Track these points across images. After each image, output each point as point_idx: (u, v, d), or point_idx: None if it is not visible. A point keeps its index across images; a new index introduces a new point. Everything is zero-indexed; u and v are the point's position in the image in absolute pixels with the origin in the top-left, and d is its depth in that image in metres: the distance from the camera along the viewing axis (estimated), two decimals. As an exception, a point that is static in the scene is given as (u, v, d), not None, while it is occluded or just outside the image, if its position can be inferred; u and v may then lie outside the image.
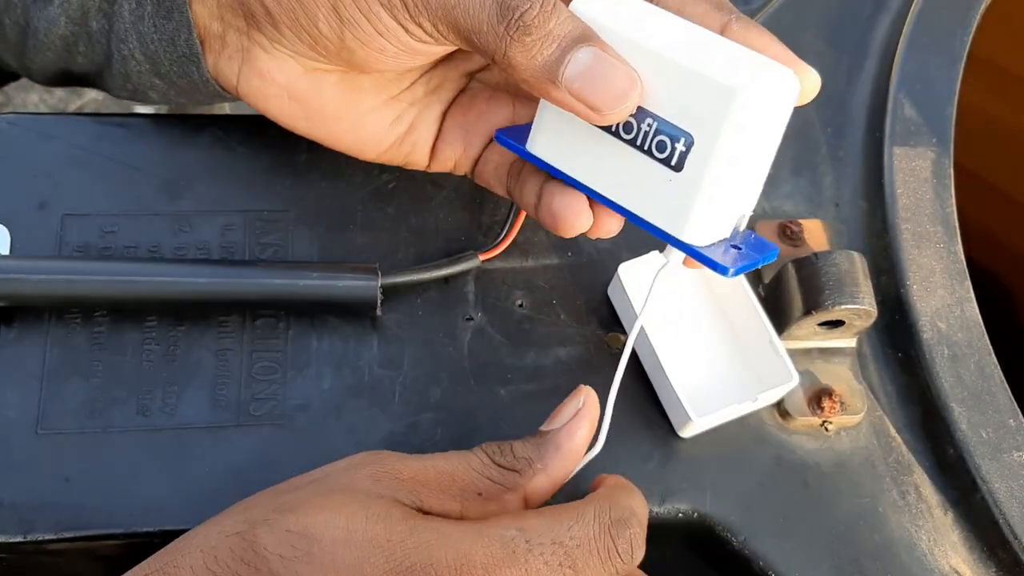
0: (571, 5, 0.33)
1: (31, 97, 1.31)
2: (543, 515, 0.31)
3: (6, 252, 0.41)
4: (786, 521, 0.41)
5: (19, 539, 0.37)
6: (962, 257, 0.45)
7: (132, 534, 0.37)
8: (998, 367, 0.43)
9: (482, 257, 0.43)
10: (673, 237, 0.33)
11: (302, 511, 0.30)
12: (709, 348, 0.43)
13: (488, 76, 0.42)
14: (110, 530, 0.37)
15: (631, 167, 0.33)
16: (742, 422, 0.42)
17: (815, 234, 0.46)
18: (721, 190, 0.32)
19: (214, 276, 0.40)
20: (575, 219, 0.36)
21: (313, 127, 0.41)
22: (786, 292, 0.42)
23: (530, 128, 0.36)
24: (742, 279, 0.42)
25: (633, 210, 0.34)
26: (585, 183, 0.35)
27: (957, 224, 0.45)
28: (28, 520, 0.37)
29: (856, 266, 0.41)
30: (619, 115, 0.32)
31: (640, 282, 0.42)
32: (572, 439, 0.35)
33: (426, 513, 0.32)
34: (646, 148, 0.32)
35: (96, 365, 0.40)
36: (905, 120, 0.48)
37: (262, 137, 0.45)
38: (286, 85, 0.39)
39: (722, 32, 0.33)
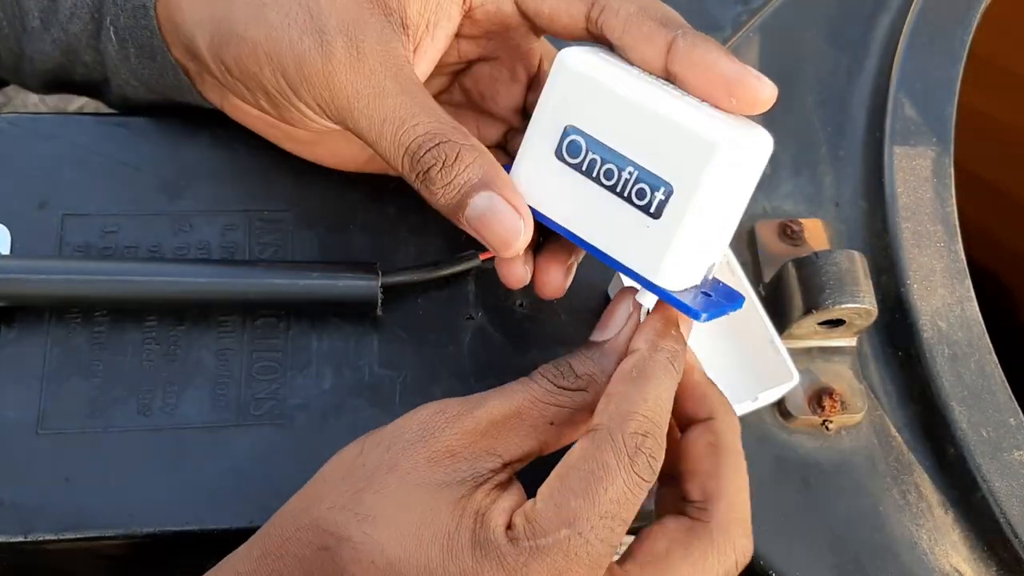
0: (558, 56, 0.34)
1: (31, 97, 1.31)
2: (579, 493, 0.31)
3: (6, 252, 0.41)
4: (787, 520, 0.41)
5: (20, 539, 0.37)
6: (962, 256, 0.45)
7: (132, 534, 0.37)
8: (998, 366, 0.43)
9: (483, 256, 0.43)
10: (648, 281, 0.34)
11: (383, 529, 0.32)
12: (709, 347, 0.43)
13: (450, 97, 0.43)
14: (111, 530, 0.37)
15: (610, 212, 0.34)
16: (743, 421, 0.42)
17: (815, 233, 0.46)
18: (695, 238, 0.34)
19: (214, 276, 0.40)
20: (511, 280, 0.38)
21: (295, 148, 0.43)
22: (786, 291, 0.42)
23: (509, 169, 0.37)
24: (743, 278, 0.42)
25: (610, 253, 0.35)
26: (563, 225, 0.35)
27: (957, 223, 0.46)
28: (29, 520, 0.37)
29: (856, 265, 0.41)
30: (512, 254, 0.35)
31: None
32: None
33: (507, 464, 0.33)
34: (626, 195, 0.34)
35: (96, 365, 0.40)
36: (905, 119, 0.48)
37: (262, 137, 0.45)
38: (259, 117, 0.41)
39: (669, 48, 0.34)
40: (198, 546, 0.38)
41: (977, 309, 0.44)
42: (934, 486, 0.42)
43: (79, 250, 0.42)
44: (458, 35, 0.39)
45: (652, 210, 0.33)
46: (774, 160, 0.48)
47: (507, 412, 0.34)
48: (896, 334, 0.44)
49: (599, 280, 0.44)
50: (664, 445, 0.33)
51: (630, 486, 0.31)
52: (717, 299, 0.35)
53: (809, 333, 0.43)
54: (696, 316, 0.34)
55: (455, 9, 0.37)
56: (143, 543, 0.38)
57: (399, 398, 0.41)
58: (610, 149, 0.34)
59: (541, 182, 0.35)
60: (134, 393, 0.40)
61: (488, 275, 0.44)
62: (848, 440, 0.43)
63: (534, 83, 0.41)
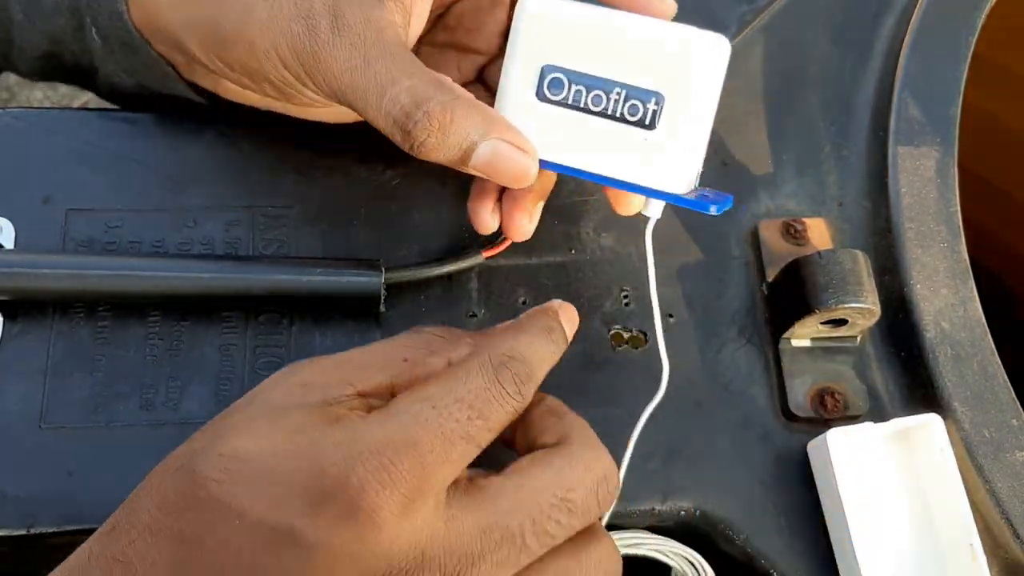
0: (519, 3, 0.36)
1: (36, 93, 1.32)
2: (437, 381, 0.32)
3: (10, 247, 0.41)
4: (787, 520, 0.41)
5: (21, 532, 0.37)
6: (965, 256, 0.45)
7: (135, 528, 0.37)
8: (1001, 367, 0.43)
9: (485, 254, 0.43)
10: (655, 191, 0.36)
11: (233, 436, 0.31)
12: (902, 531, 0.41)
13: (432, 37, 0.44)
14: (113, 524, 0.37)
15: (604, 136, 0.36)
16: (745, 421, 0.42)
17: (819, 233, 0.46)
18: (691, 139, 0.36)
19: (218, 272, 0.40)
20: (479, 222, 0.40)
21: (292, 110, 0.43)
22: (789, 290, 0.42)
23: None
24: (947, 454, 0.40)
25: (612, 176, 0.36)
26: (559, 162, 0.37)
27: (961, 224, 0.45)
28: (31, 514, 0.37)
29: (859, 265, 0.41)
30: (528, 184, 0.36)
31: (847, 455, 0.40)
32: (506, 329, 0.36)
33: (361, 396, 0.33)
34: (618, 115, 0.35)
35: (100, 360, 0.40)
36: (909, 119, 0.48)
37: (266, 133, 0.45)
38: (260, 98, 0.42)
39: None
40: (200, 541, 0.38)
41: (980, 310, 0.44)
42: (936, 486, 0.42)
43: (82, 245, 0.42)
44: None
45: (647, 122, 0.35)
46: (777, 159, 0.48)
47: (366, 349, 0.35)
48: (899, 334, 0.44)
49: (602, 278, 0.44)
50: (535, 383, 0.34)
51: (491, 389, 0.32)
52: (713, 196, 0.37)
53: (812, 332, 0.43)
54: (706, 209, 0.36)
55: None
56: (145, 538, 0.38)
57: (401, 395, 0.41)
58: (594, 77, 0.35)
59: (526, 125, 0.36)
60: (137, 388, 0.40)
61: (491, 272, 0.44)
62: (850, 440, 0.43)
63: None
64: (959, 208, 0.46)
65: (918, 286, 0.44)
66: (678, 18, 0.39)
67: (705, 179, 0.42)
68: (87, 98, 1.30)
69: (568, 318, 0.38)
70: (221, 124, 0.45)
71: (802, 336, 0.43)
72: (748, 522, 0.41)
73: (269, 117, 0.44)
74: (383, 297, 0.41)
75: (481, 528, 0.30)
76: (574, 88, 0.36)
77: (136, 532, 0.30)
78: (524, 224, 0.40)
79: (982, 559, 0.39)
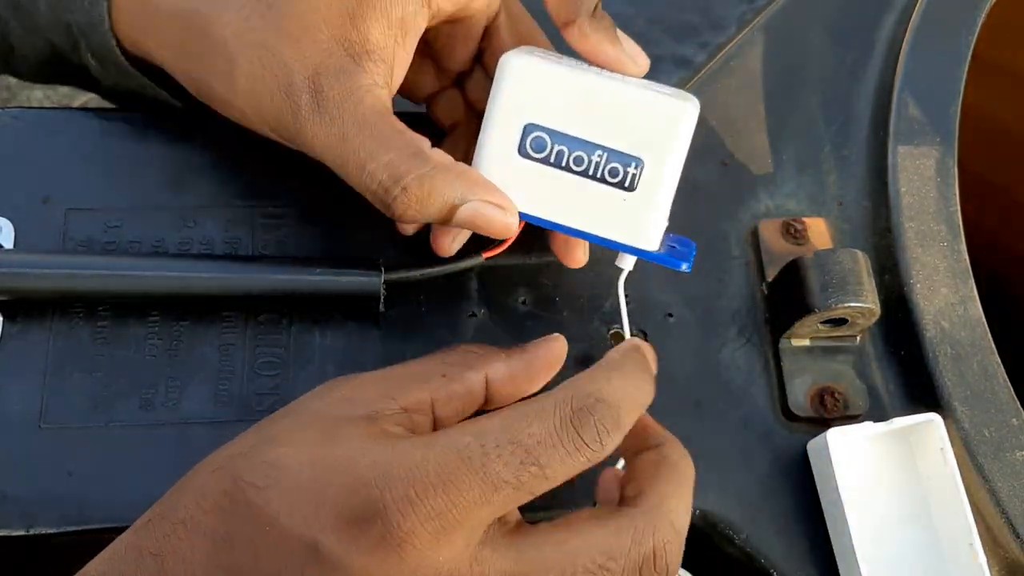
0: (502, 59, 0.36)
1: (35, 93, 1.32)
2: (501, 416, 0.31)
3: (10, 246, 0.41)
4: (787, 519, 0.41)
5: (21, 532, 0.37)
6: (966, 256, 0.45)
7: (134, 528, 0.37)
8: (1001, 366, 0.43)
9: (485, 255, 0.43)
10: (633, 248, 0.37)
11: (277, 444, 0.31)
12: (901, 531, 0.41)
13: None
14: (113, 524, 0.37)
15: (584, 194, 0.37)
16: (745, 421, 0.42)
17: (819, 232, 0.46)
18: (666, 200, 0.37)
19: (217, 271, 0.40)
20: (436, 245, 0.41)
21: None
22: (789, 290, 0.42)
23: None
24: (951, 461, 0.40)
25: (592, 232, 0.37)
26: (540, 216, 0.37)
27: (961, 223, 0.45)
28: (31, 514, 0.37)
29: (859, 264, 0.41)
30: (511, 236, 0.37)
31: (847, 455, 0.41)
32: (538, 348, 0.37)
33: (404, 410, 0.33)
34: (599, 176, 0.36)
35: (99, 360, 0.40)
36: (909, 119, 0.48)
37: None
38: None
39: (565, 26, 0.37)
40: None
41: (980, 309, 0.44)
42: (936, 486, 0.42)
43: (82, 245, 0.42)
44: None
45: (627, 184, 0.36)
46: (777, 159, 0.48)
47: (406, 366, 0.35)
48: (899, 334, 0.44)
49: (602, 278, 0.44)
50: (622, 433, 0.31)
51: (560, 435, 0.30)
52: (680, 249, 0.39)
53: (811, 332, 0.43)
54: (678, 266, 0.37)
55: (421, 18, 0.38)
56: (145, 538, 0.38)
57: (401, 395, 0.41)
58: (576, 139, 0.36)
59: (507, 180, 0.37)
60: (136, 388, 0.40)
61: (491, 272, 0.44)
62: (850, 439, 0.43)
63: (488, 32, 0.41)
64: (959, 208, 0.46)
65: (918, 286, 0.44)
66: (680, 18, 0.39)
67: (705, 179, 0.43)
68: (87, 98, 1.30)
69: (654, 360, 0.36)
70: (221, 124, 0.45)
71: (802, 336, 0.43)
72: (748, 522, 0.41)
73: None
74: (383, 297, 0.41)
75: None
76: (556, 148, 0.36)
77: (171, 526, 0.31)
78: (448, 245, 0.41)
79: (982, 559, 0.39)
